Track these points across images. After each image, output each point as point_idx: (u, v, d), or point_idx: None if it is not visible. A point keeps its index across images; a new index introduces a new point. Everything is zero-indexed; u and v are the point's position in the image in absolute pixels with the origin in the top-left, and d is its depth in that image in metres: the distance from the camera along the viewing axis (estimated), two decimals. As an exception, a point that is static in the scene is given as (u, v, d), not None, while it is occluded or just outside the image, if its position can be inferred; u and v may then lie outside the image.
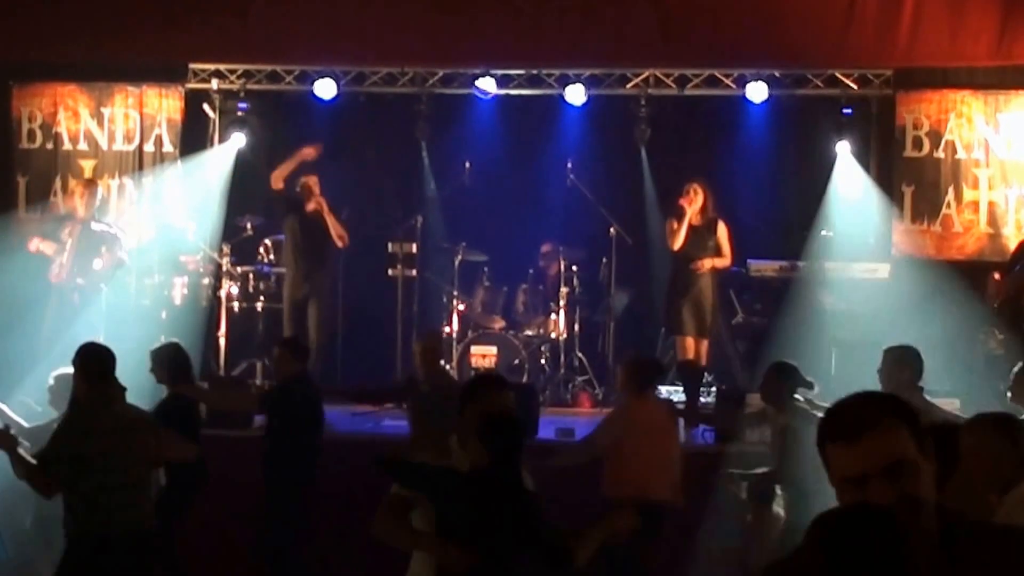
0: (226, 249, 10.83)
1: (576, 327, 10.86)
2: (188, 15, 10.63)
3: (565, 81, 11.14)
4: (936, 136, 10.80)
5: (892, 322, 9.10)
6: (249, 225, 11.07)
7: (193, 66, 11.40)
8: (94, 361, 5.53)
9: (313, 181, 10.40)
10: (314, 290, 10.25)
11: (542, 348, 10.83)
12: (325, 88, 11.18)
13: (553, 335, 10.83)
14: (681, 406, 9.15)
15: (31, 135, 11.43)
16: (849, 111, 11.03)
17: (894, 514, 2.05)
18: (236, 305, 10.82)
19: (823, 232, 10.69)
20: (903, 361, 6.72)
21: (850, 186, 10.97)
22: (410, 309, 11.09)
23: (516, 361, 10.54)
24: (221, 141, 11.51)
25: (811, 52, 10.59)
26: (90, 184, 10.53)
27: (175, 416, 6.57)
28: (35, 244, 9.88)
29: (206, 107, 11.54)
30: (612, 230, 10.84)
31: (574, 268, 10.96)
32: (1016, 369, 6.33)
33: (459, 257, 10.99)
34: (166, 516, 6.07)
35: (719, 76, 11.15)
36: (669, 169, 11.20)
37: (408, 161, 11.79)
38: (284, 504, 7.05)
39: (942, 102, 10.84)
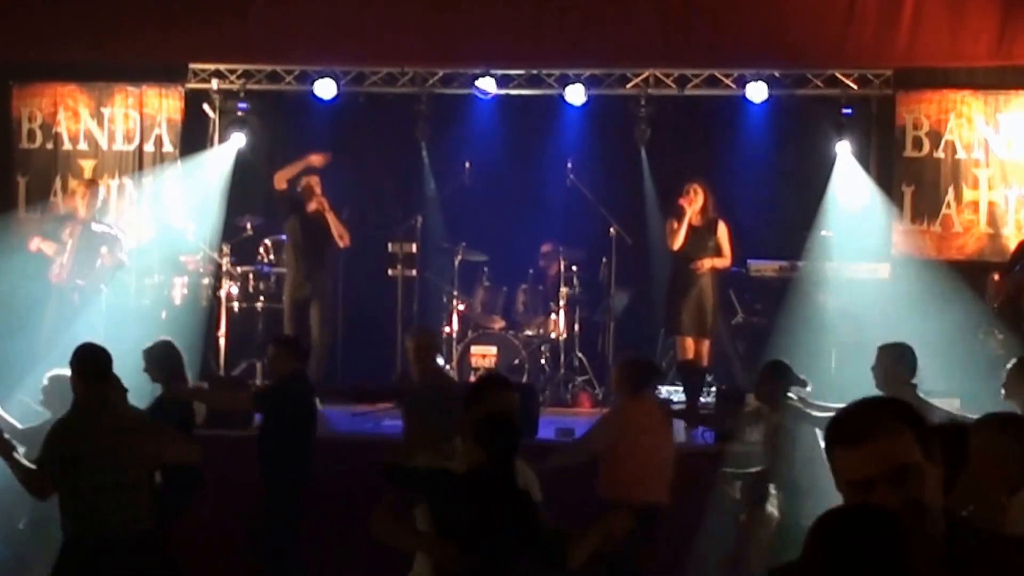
0: (226, 249, 10.83)
1: (576, 327, 10.85)
2: (188, 15, 10.65)
3: (565, 81, 11.13)
4: (936, 136, 10.80)
5: (892, 322, 9.08)
6: (249, 225, 11.07)
7: (193, 66, 11.40)
8: (90, 362, 5.52)
9: (314, 181, 10.39)
10: (316, 290, 10.24)
11: (542, 348, 10.82)
12: (325, 88, 11.18)
13: (553, 335, 10.83)
14: (681, 406, 9.15)
15: (31, 135, 11.44)
16: (849, 111, 11.01)
17: (895, 515, 2.05)
18: (236, 305, 10.81)
19: (823, 232, 10.67)
20: (897, 359, 6.73)
21: (850, 186, 10.96)
22: (410, 309, 11.08)
23: (516, 361, 10.53)
24: (221, 141, 11.51)
25: (811, 52, 10.59)
26: (91, 185, 10.52)
27: (170, 416, 6.55)
28: (35, 244, 9.88)
29: (206, 107, 11.54)
30: (612, 230, 10.82)
31: (574, 268, 10.95)
32: (1009, 366, 6.31)
33: (459, 257, 10.98)
34: (163, 517, 6.05)
35: (719, 76, 11.14)
36: (669, 169, 11.19)
37: (408, 161, 11.78)
38: (283, 503, 7.03)
39: (942, 102, 10.84)
